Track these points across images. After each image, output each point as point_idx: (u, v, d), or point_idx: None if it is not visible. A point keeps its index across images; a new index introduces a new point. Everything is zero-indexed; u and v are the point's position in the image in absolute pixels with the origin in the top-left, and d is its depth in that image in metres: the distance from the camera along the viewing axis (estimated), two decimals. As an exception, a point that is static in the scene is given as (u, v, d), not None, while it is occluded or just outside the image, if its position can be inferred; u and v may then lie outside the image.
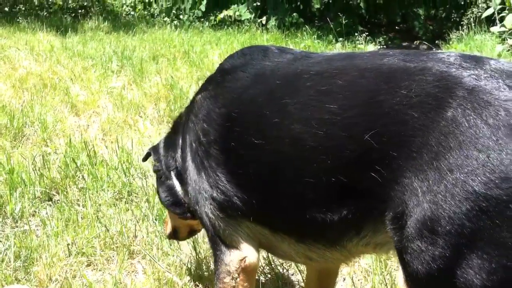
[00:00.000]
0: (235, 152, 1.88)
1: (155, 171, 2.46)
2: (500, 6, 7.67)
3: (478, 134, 1.28)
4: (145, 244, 2.96)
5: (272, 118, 1.73)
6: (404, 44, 11.67)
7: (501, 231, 1.20)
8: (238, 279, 1.94)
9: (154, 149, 2.50)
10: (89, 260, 2.88)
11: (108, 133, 4.67)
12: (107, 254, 2.91)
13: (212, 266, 2.77)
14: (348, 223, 1.61)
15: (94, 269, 2.83)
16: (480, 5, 9.66)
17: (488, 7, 8.20)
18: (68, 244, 2.93)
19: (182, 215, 2.38)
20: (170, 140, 2.39)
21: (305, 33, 9.70)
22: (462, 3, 11.52)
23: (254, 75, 1.94)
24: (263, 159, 1.79)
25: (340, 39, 9.63)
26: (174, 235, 2.61)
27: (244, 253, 1.94)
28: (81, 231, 3.07)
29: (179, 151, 2.26)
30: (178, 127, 2.32)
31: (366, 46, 8.95)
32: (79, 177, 3.73)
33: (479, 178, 1.25)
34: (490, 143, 1.26)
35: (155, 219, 3.15)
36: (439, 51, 1.59)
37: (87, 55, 7.68)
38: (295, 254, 1.91)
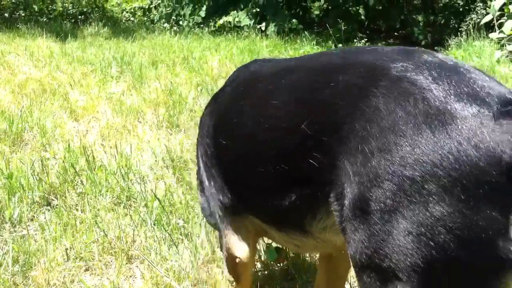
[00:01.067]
0: (221, 157, 2.11)
1: None
2: (499, 13, 7.69)
3: (397, 121, 1.37)
4: (143, 249, 2.96)
5: (234, 119, 1.99)
6: (403, 50, 11.71)
7: (418, 208, 1.29)
8: (237, 270, 2.23)
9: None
10: (87, 265, 2.87)
11: (107, 139, 4.67)
12: (105, 259, 2.91)
13: (210, 271, 2.78)
14: (303, 208, 1.74)
15: (92, 274, 2.83)
16: (479, 12, 9.70)
17: (487, 13, 8.23)
18: (66, 249, 2.92)
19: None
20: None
21: (304, 39, 9.73)
22: (461, 9, 11.57)
23: (235, 87, 2.21)
24: (234, 158, 2.02)
25: (340, 45, 9.65)
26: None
27: (238, 254, 2.17)
28: (80, 236, 3.06)
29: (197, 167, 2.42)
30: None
31: (365, 52, 8.96)
32: (77, 182, 3.73)
33: (397, 160, 1.34)
34: (407, 129, 1.34)
35: (154, 224, 3.15)
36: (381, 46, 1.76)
37: (86, 60, 7.69)
38: (284, 242, 2.11)
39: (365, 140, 1.42)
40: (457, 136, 1.28)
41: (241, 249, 2.16)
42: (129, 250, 2.96)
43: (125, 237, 3.03)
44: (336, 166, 1.52)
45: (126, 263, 2.88)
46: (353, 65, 1.61)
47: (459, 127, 1.28)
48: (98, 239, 3.01)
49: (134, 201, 3.49)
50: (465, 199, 1.25)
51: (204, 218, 2.62)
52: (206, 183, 2.23)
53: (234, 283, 2.42)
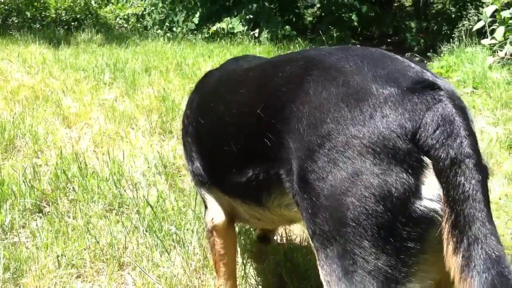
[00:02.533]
0: (198, 135, 2.41)
1: None
2: (491, 19, 7.74)
3: (322, 101, 1.61)
4: (135, 256, 2.95)
5: (211, 102, 2.30)
6: (396, 56, 11.75)
7: (342, 172, 1.50)
8: (213, 235, 2.43)
9: None
10: (78, 272, 2.86)
11: (100, 145, 4.66)
12: (97, 266, 2.90)
13: (202, 278, 2.78)
14: (260, 185, 1.96)
15: (83, 281, 2.82)
16: (471, 18, 9.76)
17: (479, 20, 8.28)
18: (57, 256, 2.91)
19: None
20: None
21: (297, 45, 9.74)
22: (453, 16, 11.63)
23: (220, 74, 2.55)
24: (208, 137, 2.32)
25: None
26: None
27: (212, 215, 2.42)
28: (71, 243, 3.05)
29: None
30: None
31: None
32: (69, 188, 3.72)
33: (322, 134, 1.57)
34: (330, 107, 1.58)
35: (146, 231, 3.14)
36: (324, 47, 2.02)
37: (79, 67, 7.68)
38: (247, 215, 2.31)
39: (300, 119, 1.66)
40: (369, 110, 1.50)
41: (217, 213, 2.41)
42: (121, 257, 2.95)
43: (117, 244, 3.02)
44: (283, 145, 1.74)
45: (118, 270, 2.87)
46: (298, 58, 1.88)
47: (372, 103, 1.51)
48: (89, 246, 3.00)
49: (126, 208, 3.48)
50: (378, 163, 1.45)
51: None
52: (185, 157, 2.54)
53: (211, 251, 2.51)
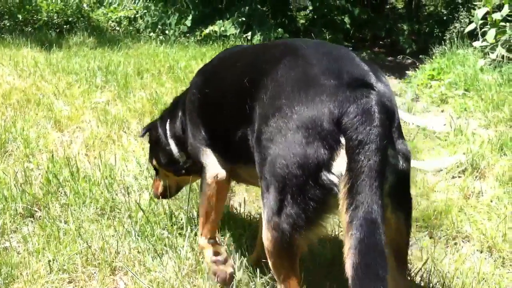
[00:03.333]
0: (203, 106, 2.74)
1: (155, 140, 3.19)
2: (482, 21, 7.78)
3: (283, 81, 2.06)
4: (127, 260, 2.94)
5: (215, 78, 2.71)
6: (389, 58, 11.79)
7: (282, 138, 1.95)
8: (214, 189, 2.71)
9: (153, 125, 3.26)
10: (70, 277, 2.85)
11: (92, 149, 4.65)
12: (88, 270, 2.88)
13: (194, 282, 2.77)
14: (245, 142, 2.31)
15: (75, 286, 2.80)
16: (462, 21, 9.80)
17: (471, 22, 8.32)
18: (49, 261, 2.89)
19: (177, 172, 3.16)
20: (170, 115, 3.12)
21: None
22: (445, 18, 11.68)
23: (218, 59, 2.92)
24: (211, 107, 2.65)
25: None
26: (165, 193, 3.30)
27: (217, 171, 2.70)
28: (63, 247, 3.03)
29: (178, 120, 3.02)
30: (178, 104, 3.08)
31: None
32: (61, 193, 3.70)
33: (276, 106, 2.00)
34: (287, 87, 2.02)
35: (138, 235, 3.13)
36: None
37: (71, 70, 7.64)
38: (245, 175, 2.69)
39: (266, 91, 2.10)
40: (313, 95, 1.92)
41: (219, 170, 2.70)
42: (113, 261, 2.94)
43: (108, 249, 3.01)
44: (254, 109, 2.18)
45: (110, 275, 2.86)
46: (280, 45, 2.47)
47: (316, 90, 1.93)
48: (81, 251, 2.99)
49: (118, 212, 3.47)
50: (307, 137, 1.88)
51: (159, 165, 3.22)
52: (190, 129, 2.82)
53: (205, 204, 2.78)
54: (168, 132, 3.10)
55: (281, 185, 1.96)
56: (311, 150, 1.87)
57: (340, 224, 3.34)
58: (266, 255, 2.14)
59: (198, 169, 2.89)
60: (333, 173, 1.86)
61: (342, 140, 1.84)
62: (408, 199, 2.07)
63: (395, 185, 1.95)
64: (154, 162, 3.27)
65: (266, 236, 2.08)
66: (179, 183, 3.33)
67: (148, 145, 3.33)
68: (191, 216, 3.30)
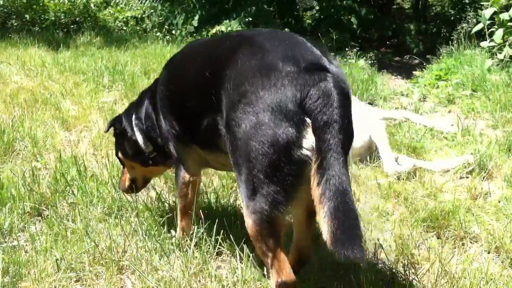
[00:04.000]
0: (172, 100, 2.86)
1: (120, 133, 3.29)
2: (490, 22, 7.74)
3: (244, 69, 2.22)
4: (134, 259, 2.94)
5: (181, 71, 2.85)
6: (396, 58, 11.77)
7: (249, 120, 2.11)
8: (189, 188, 2.94)
9: (117, 118, 3.34)
10: (78, 275, 2.86)
11: (99, 148, 4.66)
12: (96, 269, 2.89)
13: (202, 281, 2.77)
14: (217, 133, 2.46)
15: (83, 285, 2.81)
16: (470, 21, 9.75)
17: (478, 22, 8.28)
18: (57, 260, 2.90)
19: (144, 163, 3.27)
20: (136, 107, 3.23)
21: (336, 61, 9.73)
22: (452, 18, 11.63)
23: (184, 52, 3.04)
24: (178, 99, 2.77)
25: (332, 54, 9.67)
26: (132, 187, 3.42)
27: (191, 173, 2.93)
28: (70, 246, 3.04)
29: (145, 113, 3.14)
30: (144, 97, 3.19)
31: (357, 61, 8.99)
32: (69, 192, 3.71)
33: (241, 92, 2.17)
34: (248, 74, 2.18)
35: (145, 234, 3.13)
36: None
37: (78, 70, 7.67)
38: (215, 163, 2.87)
39: (229, 80, 2.26)
40: (274, 79, 2.08)
41: (195, 171, 2.94)
42: (120, 260, 2.94)
43: (116, 248, 3.02)
44: (220, 99, 2.33)
45: (117, 274, 2.87)
46: (236, 36, 2.63)
47: (276, 75, 2.09)
48: (89, 250, 2.99)
49: (125, 211, 3.47)
50: (274, 119, 2.04)
51: (125, 158, 3.34)
52: (162, 122, 2.95)
53: (182, 200, 3.01)
54: (134, 124, 3.20)
55: (255, 166, 2.10)
56: (280, 130, 2.03)
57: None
58: (253, 242, 2.28)
59: (165, 160, 3.14)
60: (304, 148, 2.04)
61: (308, 120, 2.03)
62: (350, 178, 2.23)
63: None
64: (120, 155, 3.36)
65: (247, 222, 2.22)
66: (146, 175, 3.43)
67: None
68: (199, 215, 3.30)
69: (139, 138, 3.18)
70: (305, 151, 2.04)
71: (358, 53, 9.60)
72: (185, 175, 2.93)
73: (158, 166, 3.32)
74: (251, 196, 2.15)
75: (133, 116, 3.21)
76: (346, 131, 2.04)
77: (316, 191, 1.99)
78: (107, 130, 3.38)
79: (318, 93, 2.03)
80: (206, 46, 2.84)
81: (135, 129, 3.19)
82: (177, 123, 2.83)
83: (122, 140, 3.29)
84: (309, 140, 2.03)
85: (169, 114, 2.88)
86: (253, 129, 2.09)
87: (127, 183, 3.40)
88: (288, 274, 2.24)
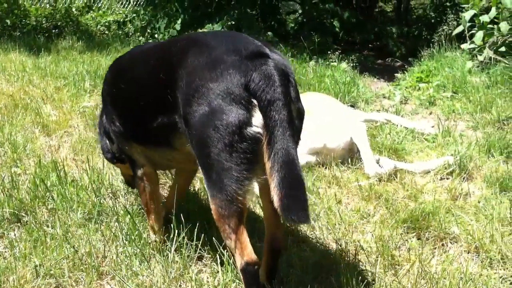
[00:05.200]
0: (120, 100, 3.02)
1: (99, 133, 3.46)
2: (470, 24, 7.82)
3: (194, 67, 2.41)
4: (114, 264, 2.92)
5: (130, 71, 2.99)
6: (378, 61, 11.83)
7: (204, 110, 2.31)
8: (145, 180, 3.06)
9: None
10: (57, 281, 2.83)
11: (79, 153, 4.62)
12: (75, 275, 2.87)
13: (182, 285, 2.76)
14: (168, 131, 2.62)
15: (62, 291, 2.79)
16: (450, 23, 9.84)
17: (459, 24, 8.36)
18: (36, 266, 2.88)
19: (111, 161, 3.46)
20: (101, 112, 3.40)
21: (279, 51, 9.73)
22: (433, 21, 11.72)
23: (132, 53, 3.26)
24: (127, 100, 2.91)
25: (315, 57, 9.70)
26: (127, 181, 3.70)
27: (142, 164, 3.03)
28: (50, 252, 3.01)
29: (104, 115, 3.26)
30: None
31: (340, 64, 9.02)
32: (48, 197, 3.68)
33: (194, 88, 2.36)
34: (198, 70, 2.38)
35: (125, 239, 3.11)
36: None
37: (59, 74, 7.61)
38: (162, 160, 2.96)
39: (182, 79, 2.44)
40: (220, 70, 2.30)
41: (146, 163, 3.02)
42: (100, 266, 2.92)
43: (96, 253, 3.00)
44: (175, 98, 2.48)
45: (97, 280, 2.85)
46: (185, 38, 2.83)
47: (222, 66, 2.31)
48: (68, 256, 2.97)
49: (106, 216, 3.45)
50: (225, 104, 2.25)
51: (104, 156, 3.54)
52: (111, 124, 3.09)
53: (142, 196, 3.12)
54: (99, 127, 3.43)
55: (214, 150, 2.28)
56: (231, 113, 2.24)
57: (328, 227, 3.35)
58: (217, 224, 2.41)
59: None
60: (254, 125, 2.24)
61: (254, 101, 2.24)
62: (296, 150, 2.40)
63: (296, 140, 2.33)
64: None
65: (212, 207, 2.38)
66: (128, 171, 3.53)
67: None
68: (179, 219, 3.28)
69: (104, 140, 3.36)
70: (255, 129, 2.25)
71: (340, 56, 9.63)
72: (137, 170, 3.06)
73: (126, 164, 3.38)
74: (214, 179, 2.32)
75: (99, 120, 3.43)
76: (289, 107, 2.25)
77: (267, 165, 2.20)
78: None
79: (260, 76, 2.25)
80: (158, 49, 2.97)
81: (101, 132, 3.39)
82: (120, 122, 2.99)
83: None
84: (257, 118, 2.24)
85: (113, 112, 3.04)
86: (208, 117, 2.28)
87: (125, 178, 3.72)
88: (249, 254, 2.36)
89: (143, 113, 2.77)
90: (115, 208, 3.47)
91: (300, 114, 2.44)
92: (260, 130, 2.24)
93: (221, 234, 2.40)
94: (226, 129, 2.24)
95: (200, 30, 11.01)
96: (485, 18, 7.57)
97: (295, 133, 2.30)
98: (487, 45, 7.58)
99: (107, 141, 3.32)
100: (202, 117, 2.31)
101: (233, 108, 2.24)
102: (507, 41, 7.59)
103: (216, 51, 2.40)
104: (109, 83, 3.14)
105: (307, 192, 2.20)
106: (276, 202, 2.16)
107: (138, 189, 3.14)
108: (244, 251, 2.36)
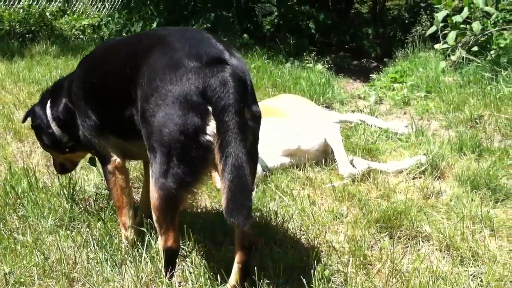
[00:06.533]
0: (91, 95, 3.02)
1: (36, 125, 3.45)
2: (443, 24, 7.90)
3: (156, 67, 2.51)
4: (85, 271, 2.89)
5: (100, 66, 3.05)
6: (354, 62, 11.90)
7: (162, 111, 2.41)
8: (116, 174, 3.07)
9: (33, 110, 3.51)
10: (27, 289, 2.79)
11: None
12: (46, 282, 2.83)
13: (153, 291, 2.74)
14: (132, 121, 2.70)
15: (32, 299, 2.75)
16: (424, 24, 9.94)
17: (432, 25, 8.44)
18: (5, 274, 2.84)
19: (62, 151, 3.47)
20: (51, 99, 3.37)
21: (255, 54, 9.75)
22: (407, 21, 11.82)
23: (100, 50, 3.41)
24: (98, 95, 2.96)
25: (291, 58, 9.73)
26: (63, 169, 3.69)
27: (114, 158, 3.06)
28: (20, 260, 2.97)
29: (62, 105, 3.28)
30: (60, 89, 3.32)
31: (316, 65, 9.05)
32: (19, 204, 3.63)
33: (153, 87, 2.46)
34: (159, 71, 2.47)
35: (97, 245, 3.08)
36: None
37: (33, 80, 7.53)
38: (138, 151, 2.98)
39: (143, 77, 2.53)
40: (180, 74, 2.39)
41: (117, 156, 3.06)
42: (71, 272, 2.89)
43: (66, 260, 2.96)
44: (136, 93, 2.58)
45: (68, 287, 2.82)
46: (152, 36, 2.93)
47: (182, 71, 2.40)
48: (38, 263, 2.93)
49: (77, 222, 3.41)
50: (182, 109, 2.35)
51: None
52: (79, 116, 3.09)
53: (113, 192, 3.11)
54: (49, 115, 3.35)
55: (167, 150, 2.39)
56: (188, 119, 2.34)
57: (301, 228, 3.35)
58: (152, 211, 2.54)
59: (82, 147, 3.28)
60: (208, 134, 2.35)
61: (210, 108, 2.35)
62: (257, 153, 2.63)
63: (251, 143, 2.47)
64: (40, 144, 3.62)
65: (153, 195, 2.48)
66: (72, 159, 3.63)
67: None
68: (150, 223, 3.26)
69: (56, 130, 3.34)
70: (208, 137, 2.36)
71: (316, 57, 9.66)
72: (108, 165, 3.08)
73: (77, 153, 3.50)
74: (162, 174, 2.43)
75: (48, 108, 3.36)
76: (242, 114, 2.36)
77: (218, 168, 2.33)
78: (24, 121, 3.67)
79: (216, 82, 2.35)
80: (125, 44, 3.12)
81: (51, 122, 3.34)
82: (96, 116, 3.00)
83: (39, 132, 3.46)
84: (211, 127, 2.35)
85: (87, 107, 3.04)
86: (166, 118, 2.38)
87: (58, 167, 3.68)
88: (174, 241, 2.56)
89: (116, 106, 2.82)
90: (87, 214, 3.43)
91: (256, 118, 2.54)
92: (211, 139, 2.36)
93: (154, 220, 2.57)
94: (182, 134, 2.35)
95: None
96: (457, 18, 7.66)
97: (250, 138, 2.44)
98: (459, 45, 7.67)
99: (58, 132, 3.34)
100: (160, 117, 2.41)
101: (190, 114, 2.35)
102: (479, 41, 7.70)
103: (178, 54, 2.49)
104: (81, 79, 3.13)
105: (252, 197, 2.31)
106: (223, 204, 2.28)
107: (109, 185, 3.13)
108: (171, 238, 2.55)
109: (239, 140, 2.30)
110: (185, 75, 2.39)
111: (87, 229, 3.27)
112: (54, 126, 3.34)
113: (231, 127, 2.30)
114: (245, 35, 11.27)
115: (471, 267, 2.98)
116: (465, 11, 7.64)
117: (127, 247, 3.07)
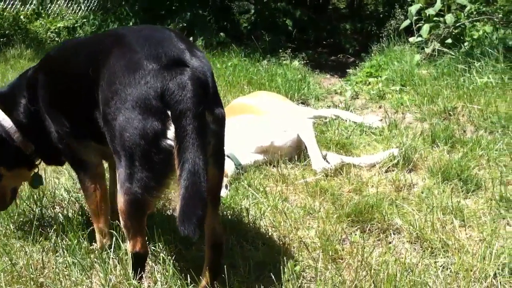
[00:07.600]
0: (59, 99, 2.93)
1: None
2: (417, 17, 7.94)
3: (115, 69, 2.44)
4: (54, 275, 2.86)
5: (64, 70, 2.89)
6: (332, 58, 11.93)
7: (122, 115, 2.36)
8: (96, 180, 3.02)
9: None
10: (-7, 296, 2.75)
11: None
12: (13, 288, 2.80)
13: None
14: (97, 123, 2.63)
15: (-1, 306, 2.71)
16: (398, 17, 9.99)
17: (406, 18, 8.48)
18: (-28, 282, 2.79)
19: (17, 166, 3.24)
20: (8, 103, 3.14)
21: (232, 52, 9.73)
22: (382, 16, 11.87)
23: (61, 51, 3.13)
24: (65, 99, 2.88)
25: (268, 56, 9.72)
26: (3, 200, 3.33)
27: (94, 164, 3.02)
28: (-13, 267, 2.93)
29: (22, 109, 3.08)
30: (18, 92, 3.13)
31: (292, 62, 9.06)
32: (-13, 210, 3.57)
33: (113, 90, 2.40)
34: (119, 73, 2.42)
35: (66, 250, 3.05)
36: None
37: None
38: (105, 148, 2.78)
39: (103, 79, 2.48)
40: (139, 78, 2.33)
41: (97, 162, 3.04)
42: (39, 277, 2.85)
43: (34, 265, 2.93)
44: (98, 95, 2.54)
45: (35, 292, 2.78)
46: (112, 35, 2.85)
47: (141, 73, 2.33)
48: (5, 269, 2.89)
49: (46, 227, 3.37)
50: (141, 113, 2.30)
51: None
52: (51, 124, 2.98)
53: (93, 198, 3.03)
54: (7, 122, 3.10)
55: (130, 155, 2.34)
56: (148, 124, 2.29)
57: (273, 225, 3.34)
58: (120, 216, 2.49)
59: (45, 158, 3.26)
60: (169, 139, 2.29)
61: (169, 112, 2.28)
62: (222, 155, 2.60)
63: (215, 146, 2.46)
64: None
65: (120, 199, 2.43)
66: (14, 183, 3.37)
67: None
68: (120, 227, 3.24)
69: (19, 139, 3.12)
70: (169, 142, 2.30)
71: (292, 54, 9.67)
72: (88, 172, 3.01)
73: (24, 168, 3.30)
74: (127, 179, 2.38)
75: (1, 113, 3.12)
76: (201, 118, 2.30)
77: (177, 173, 2.27)
78: None
79: (174, 86, 2.29)
80: (86, 45, 3.01)
81: (11, 128, 3.10)
82: (70, 123, 2.90)
83: None
84: (171, 131, 2.29)
85: (60, 115, 2.93)
86: (126, 123, 2.33)
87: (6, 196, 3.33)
88: (141, 246, 2.53)
89: (88, 110, 2.70)
90: (57, 218, 3.40)
91: (219, 120, 2.47)
92: (172, 143, 2.29)
93: (122, 224, 2.53)
94: (143, 139, 2.30)
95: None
96: (430, 11, 7.72)
97: (212, 141, 2.43)
98: (433, 37, 7.72)
99: (19, 139, 3.11)
100: (120, 121, 2.36)
101: (150, 119, 2.30)
102: (453, 33, 7.76)
103: (137, 55, 2.41)
104: (45, 85, 2.96)
105: (205, 206, 2.25)
106: (178, 209, 2.24)
107: (87, 192, 3.04)
108: (139, 243, 2.52)
109: (197, 146, 2.24)
110: (143, 78, 2.33)
111: (56, 234, 3.23)
112: (15, 134, 3.11)
113: (189, 132, 2.24)
114: (221, 33, 11.26)
115: (441, 257, 3.00)
116: (438, 4, 7.70)
117: (96, 250, 3.03)
